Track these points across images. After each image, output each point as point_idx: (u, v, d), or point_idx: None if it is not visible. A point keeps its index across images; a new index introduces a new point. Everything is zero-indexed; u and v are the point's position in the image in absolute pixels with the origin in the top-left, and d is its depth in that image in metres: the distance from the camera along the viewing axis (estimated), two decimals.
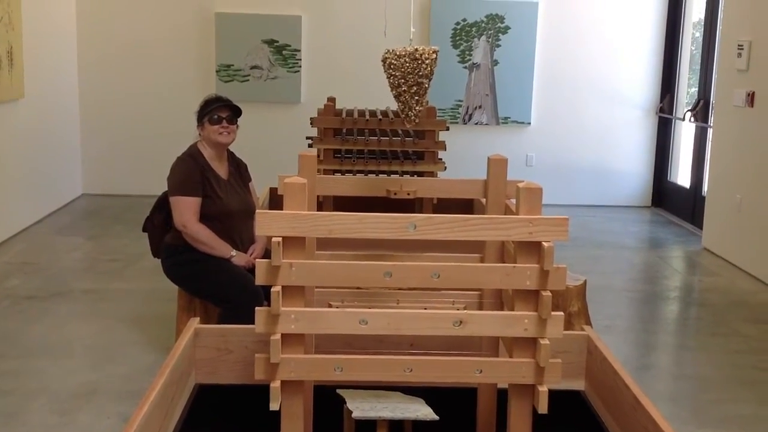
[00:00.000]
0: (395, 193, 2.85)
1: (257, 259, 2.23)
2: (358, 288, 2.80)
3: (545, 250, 2.23)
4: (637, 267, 6.69)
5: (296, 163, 2.56)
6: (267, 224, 2.19)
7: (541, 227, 2.25)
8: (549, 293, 2.25)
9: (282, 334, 2.24)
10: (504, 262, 2.72)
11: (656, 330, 5.21)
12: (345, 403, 3.10)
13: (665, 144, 8.91)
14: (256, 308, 2.23)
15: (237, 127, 4.06)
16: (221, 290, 3.84)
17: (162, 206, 4.08)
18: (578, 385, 3.25)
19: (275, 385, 2.23)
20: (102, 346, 4.51)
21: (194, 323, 3.25)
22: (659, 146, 8.96)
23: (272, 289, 2.19)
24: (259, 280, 2.22)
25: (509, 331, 2.29)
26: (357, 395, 3.12)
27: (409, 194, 2.85)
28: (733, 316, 5.34)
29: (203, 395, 3.19)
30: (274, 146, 8.40)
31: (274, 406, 2.23)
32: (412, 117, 2.50)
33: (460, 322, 2.27)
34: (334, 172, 5.09)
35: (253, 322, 3.81)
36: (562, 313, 2.30)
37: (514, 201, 2.77)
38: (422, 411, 3.06)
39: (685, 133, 8.74)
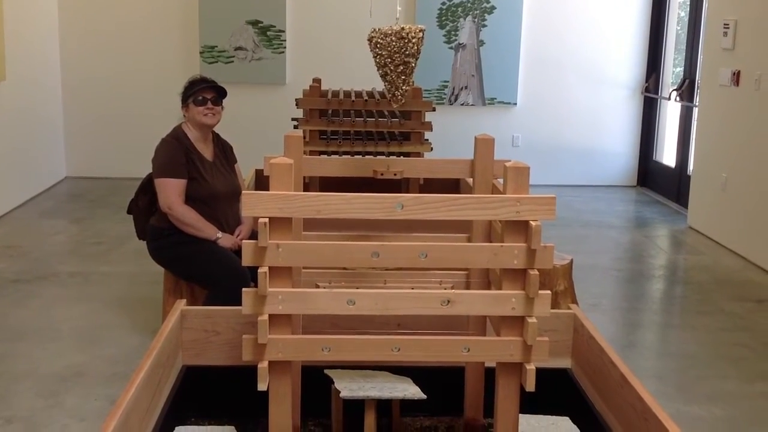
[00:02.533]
0: (382, 174, 2.84)
1: (244, 241, 2.22)
2: (345, 269, 2.80)
3: (533, 229, 2.23)
4: (622, 246, 6.72)
5: (282, 144, 2.55)
6: (254, 205, 2.18)
7: (528, 206, 2.25)
8: (536, 272, 2.26)
9: (269, 315, 2.23)
10: (491, 242, 2.72)
11: (642, 308, 5.24)
12: (333, 383, 3.11)
13: (651, 124, 8.93)
14: (243, 289, 2.23)
15: (222, 108, 4.03)
16: (208, 272, 3.83)
17: (147, 188, 4.05)
18: (565, 363, 3.28)
19: (263, 365, 2.23)
20: (88, 328, 4.49)
21: (181, 305, 3.25)
22: (645, 126, 8.98)
23: (259, 270, 2.18)
24: (246, 261, 2.21)
25: (497, 310, 2.29)
26: (345, 375, 3.13)
27: (395, 174, 2.84)
28: (718, 295, 5.38)
29: (190, 377, 3.19)
30: (259, 128, 8.35)
31: (262, 386, 2.23)
32: (399, 97, 2.49)
33: (448, 301, 2.27)
34: (320, 153, 5.07)
35: (240, 304, 3.82)
36: (549, 291, 2.30)
37: (501, 180, 2.78)
38: (410, 390, 3.07)
39: (670, 112, 8.76)
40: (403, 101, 2.52)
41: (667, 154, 8.74)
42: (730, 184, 6.55)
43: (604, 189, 8.83)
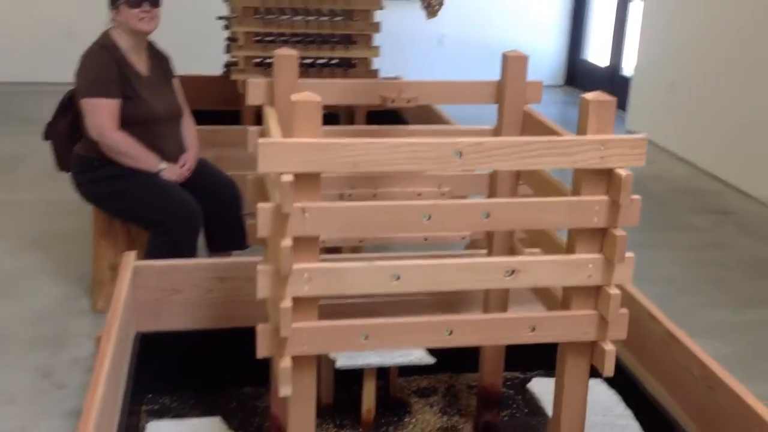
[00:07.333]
0: (393, 101, 2.30)
1: (259, 204, 1.67)
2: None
3: (622, 179, 1.78)
4: None
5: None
6: (273, 158, 1.62)
7: (615, 150, 1.79)
8: (623, 233, 1.82)
9: (293, 298, 1.71)
10: (517, 191, 2.27)
11: None
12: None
13: (580, 20, 8.55)
14: (258, 267, 1.69)
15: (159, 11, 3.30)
16: (151, 211, 3.17)
17: (66, 108, 3.33)
18: None
19: (285, 365, 1.72)
20: None
21: (131, 259, 2.68)
22: (575, 23, 8.59)
23: (282, 244, 1.65)
24: (262, 232, 1.67)
25: (571, 280, 1.85)
26: None
27: (409, 102, 2.31)
28: (678, 207, 5.13)
29: (146, 346, 2.66)
30: (171, 31, 7.37)
31: (285, 392, 1.72)
32: (435, 7, 1.94)
33: (513, 271, 1.80)
34: (261, 60, 4.45)
35: (191, 247, 3.23)
36: (632, 254, 1.87)
37: (533, 106, 2.32)
38: (415, 354, 2.63)
39: (600, 8, 8.38)
40: (438, 12, 1.97)
41: (597, 53, 8.40)
42: (679, 86, 6.25)
43: None
